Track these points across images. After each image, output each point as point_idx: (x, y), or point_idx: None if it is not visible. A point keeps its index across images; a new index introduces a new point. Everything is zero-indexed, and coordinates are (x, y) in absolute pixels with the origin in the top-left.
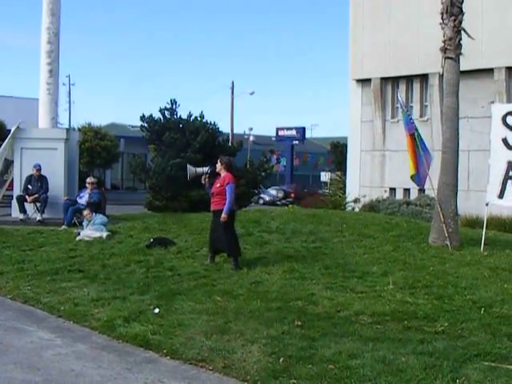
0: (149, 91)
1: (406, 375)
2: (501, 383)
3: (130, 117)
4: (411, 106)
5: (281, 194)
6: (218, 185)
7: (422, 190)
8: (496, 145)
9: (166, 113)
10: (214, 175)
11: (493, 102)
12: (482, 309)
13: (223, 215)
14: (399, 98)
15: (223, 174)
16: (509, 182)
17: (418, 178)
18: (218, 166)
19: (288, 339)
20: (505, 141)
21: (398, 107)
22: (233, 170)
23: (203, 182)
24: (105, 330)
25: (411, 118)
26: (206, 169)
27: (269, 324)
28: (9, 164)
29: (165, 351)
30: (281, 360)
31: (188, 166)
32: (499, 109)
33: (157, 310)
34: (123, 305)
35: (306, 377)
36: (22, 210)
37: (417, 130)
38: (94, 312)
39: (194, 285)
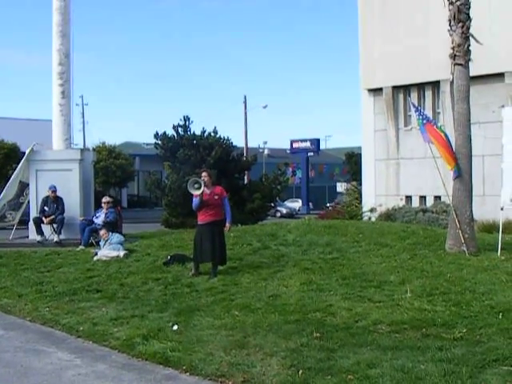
0: (162, 109)
1: (426, 383)
2: None
3: (144, 135)
4: None
5: None
6: (216, 197)
7: (437, 197)
8: (508, 149)
9: (180, 129)
10: None
11: (503, 106)
12: (500, 314)
13: (229, 225)
14: (411, 106)
15: (213, 186)
16: None
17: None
18: (208, 178)
19: (307, 351)
20: None
21: (410, 115)
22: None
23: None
24: (124, 349)
25: (426, 120)
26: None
27: (287, 337)
28: (24, 186)
29: (184, 368)
30: (300, 372)
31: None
32: (510, 112)
33: (175, 327)
34: (142, 323)
35: None
36: (39, 231)
37: (440, 128)
38: (113, 331)
39: (211, 300)
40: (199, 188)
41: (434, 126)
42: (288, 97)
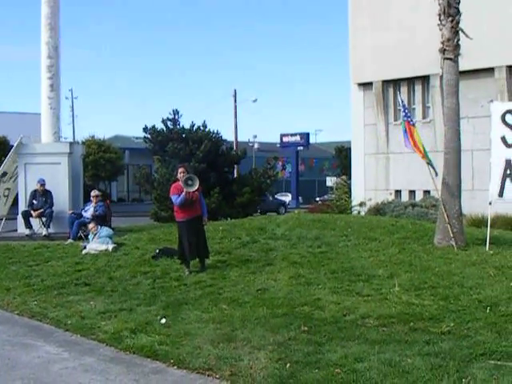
0: (152, 102)
1: (412, 376)
2: (507, 381)
3: (133, 128)
4: (413, 108)
5: None
6: (197, 192)
7: (427, 192)
8: (496, 143)
9: (169, 123)
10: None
11: (492, 101)
12: (488, 308)
13: (206, 219)
14: (400, 103)
15: None
16: (507, 180)
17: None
18: (186, 174)
19: (294, 345)
20: (503, 139)
21: (400, 109)
22: None
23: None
24: (112, 342)
25: (407, 118)
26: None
27: (275, 330)
28: (3, 175)
29: (172, 361)
30: (287, 366)
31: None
32: (498, 107)
33: (163, 321)
34: (130, 316)
35: (313, 382)
36: (28, 225)
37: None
38: (100, 324)
39: (200, 294)
40: (193, 185)
41: (413, 127)
42: (278, 91)
